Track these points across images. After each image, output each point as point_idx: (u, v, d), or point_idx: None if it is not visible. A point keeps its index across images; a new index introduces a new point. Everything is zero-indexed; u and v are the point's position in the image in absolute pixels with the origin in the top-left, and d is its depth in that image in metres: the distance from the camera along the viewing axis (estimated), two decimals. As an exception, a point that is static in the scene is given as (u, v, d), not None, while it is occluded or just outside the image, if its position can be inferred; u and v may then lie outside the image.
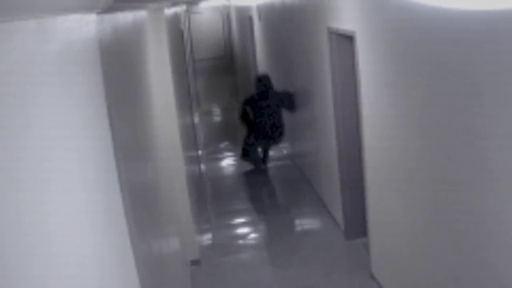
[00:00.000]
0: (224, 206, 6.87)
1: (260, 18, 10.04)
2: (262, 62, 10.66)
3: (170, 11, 5.67)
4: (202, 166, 8.26)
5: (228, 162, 8.65)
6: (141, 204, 2.49)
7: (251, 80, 12.29)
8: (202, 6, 19.17)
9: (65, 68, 1.48)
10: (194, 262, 5.31)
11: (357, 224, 5.37)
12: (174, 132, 4.95)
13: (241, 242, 5.86)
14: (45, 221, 1.20)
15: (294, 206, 6.59)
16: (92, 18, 1.82)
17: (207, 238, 6.02)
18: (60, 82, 1.44)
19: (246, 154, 7.96)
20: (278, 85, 8.87)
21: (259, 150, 7.99)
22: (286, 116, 8.19)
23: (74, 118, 1.52)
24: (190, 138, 6.38)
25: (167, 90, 4.88)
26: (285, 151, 8.71)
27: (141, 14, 4.00)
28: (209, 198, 7.29)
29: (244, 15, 13.38)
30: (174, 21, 6.43)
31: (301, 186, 7.14)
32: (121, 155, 2.01)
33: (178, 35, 6.93)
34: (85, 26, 1.72)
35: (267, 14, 9.04)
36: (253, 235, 5.98)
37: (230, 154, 9.10)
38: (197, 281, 5.05)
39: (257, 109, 7.59)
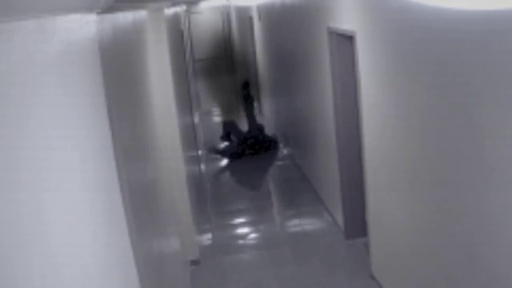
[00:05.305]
0: (224, 206, 6.87)
1: (260, 18, 10.04)
2: (262, 62, 10.66)
3: (169, 11, 5.67)
4: (202, 166, 8.26)
5: (228, 162, 8.65)
6: (141, 204, 2.49)
7: (251, 80, 12.30)
8: (202, 5, 19.18)
9: (65, 68, 1.48)
10: (194, 262, 5.31)
11: (357, 224, 5.37)
12: (174, 132, 4.95)
13: (241, 241, 5.86)
14: (45, 221, 1.20)
15: (293, 206, 6.59)
16: (92, 18, 1.82)
17: (207, 238, 6.02)
18: (60, 81, 1.44)
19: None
20: (277, 84, 8.89)
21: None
22: (286, 115, 8.21)
23: (74, 118, 1.51)
24: (189, 138, 6.38)
25: (167, 90, 4.88)
26: (285, 151, 8.72)
27: (141, 14, 4.00)
28: (209, 197, 7.29)
29: (244, 15, 13.38)
30: (174, 21, 6.43)
31: (301, 186, 7.14)
32: (121, 155, 2.01)
33: (178, 35, 6.93)
34: (85, 26, 1.72)
35: (267, 14, 9.04)
36: (253, 235, 5.98)
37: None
38: (197, 281, 5.05)
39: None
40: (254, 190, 7.57)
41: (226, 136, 9.19)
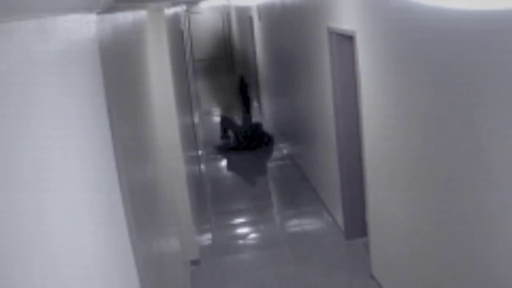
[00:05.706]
0: (224, 206, 6.87)
1: (260, 17, 10.04)
2: (262, 62, 10.66)
3: (169, 11, 5.67)
4: (202, 166, 8.26)
5: (228, 162, 8.65)
6: (141, 204, 2.49)
7: (251, 80, 12.31)
8: (202, 5, 19.18)
9: (65, 68, 1.48)
10: (194, 262, 5.31)
11: (357, 224, 5.37)
12: (173, 132, 4.94)
13: (241, 242, 5.86)
14: (45, 221, 1.20)
15: (293, 206, 6.59)
16: (92, 18, 1.82)
17: (207, 238, 6.02)
18: (60, 81, 1.43)
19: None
20: (277, 84, 8.89)
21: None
22: (286, 115, 8.21)
23: (74, 118, 1.51)
24: (189, 138, 6.38)
25: (167, 90, 4.88)
26: (285, 151, 8.72)
27: (141, 14, 4.00)
28: (209, 197, 7.29)
29: (244, 15, 13.38)
30: (174, 21, 6.43)
31: (301, 186, 7.14)
32: (121, 155, 2.01)
33: (178, 35, 6.93)
34: (85, 26, 1.72)
35: (267, 14, 9.04)
36: (253, 235, 5.98)
37: (229, 153, 9.11)
38: (197, 281, 5.05)
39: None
40: (254, 190, 7.56)
41: (224, 133, 9.64)
